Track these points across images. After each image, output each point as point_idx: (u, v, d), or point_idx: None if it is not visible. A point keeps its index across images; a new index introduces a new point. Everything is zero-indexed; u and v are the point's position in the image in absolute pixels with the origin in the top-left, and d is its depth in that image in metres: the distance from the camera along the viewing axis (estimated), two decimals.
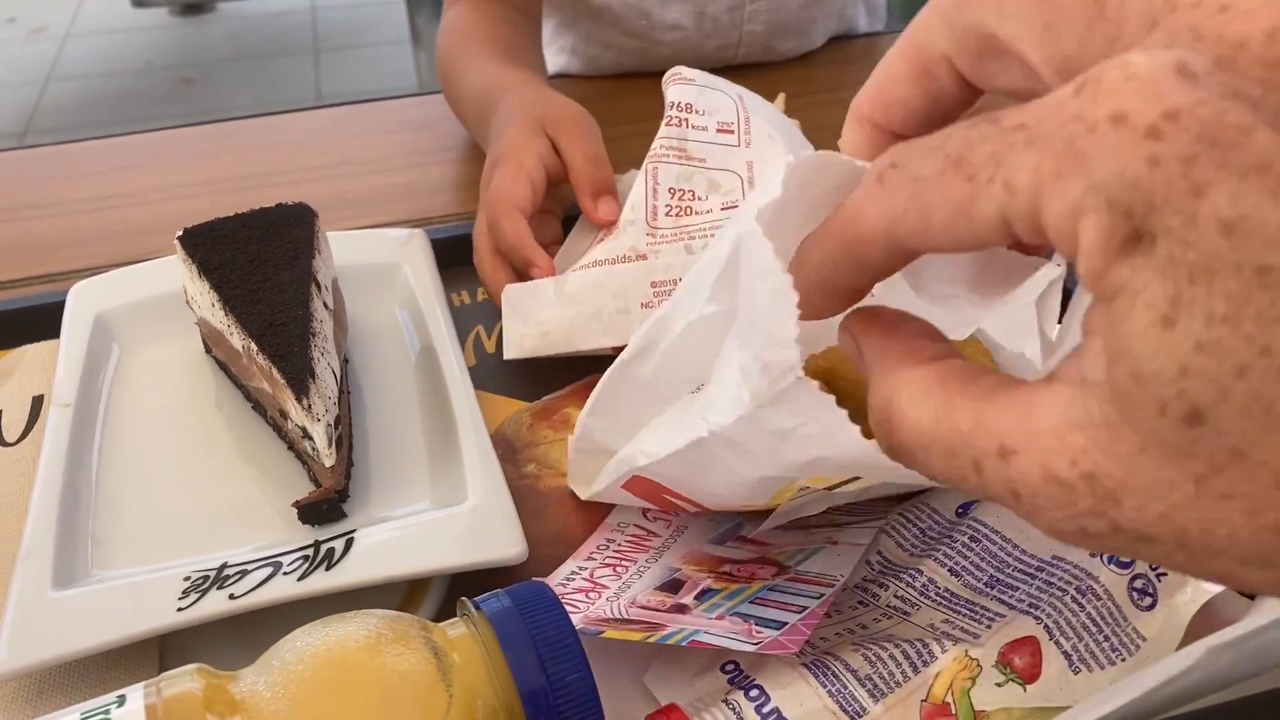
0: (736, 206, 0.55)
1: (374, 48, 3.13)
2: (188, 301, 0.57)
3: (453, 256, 0.65)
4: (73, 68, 3.11)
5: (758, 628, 0.38)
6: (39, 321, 0.61)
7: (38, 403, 0.57)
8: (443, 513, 0.47)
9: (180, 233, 0.55)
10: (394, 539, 0.45)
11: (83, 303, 0.59)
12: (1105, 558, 0.39)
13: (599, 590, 0.43)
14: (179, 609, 0.42)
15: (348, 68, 3.07)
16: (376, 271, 0.62)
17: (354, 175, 0.78)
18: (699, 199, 0.55)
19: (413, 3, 2.38)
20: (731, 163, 0.56)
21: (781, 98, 0.67)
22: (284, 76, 3.05)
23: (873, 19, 1.01)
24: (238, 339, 0.51)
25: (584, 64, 0.95)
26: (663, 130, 0.56)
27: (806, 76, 0.89)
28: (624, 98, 0.86)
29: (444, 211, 0.74)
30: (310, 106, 0.86)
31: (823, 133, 0.66)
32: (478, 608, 0.38)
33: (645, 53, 0.90)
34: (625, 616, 0.41)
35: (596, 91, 0.87)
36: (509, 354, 0.56)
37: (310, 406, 0.46)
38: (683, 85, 0.58)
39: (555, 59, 0.99)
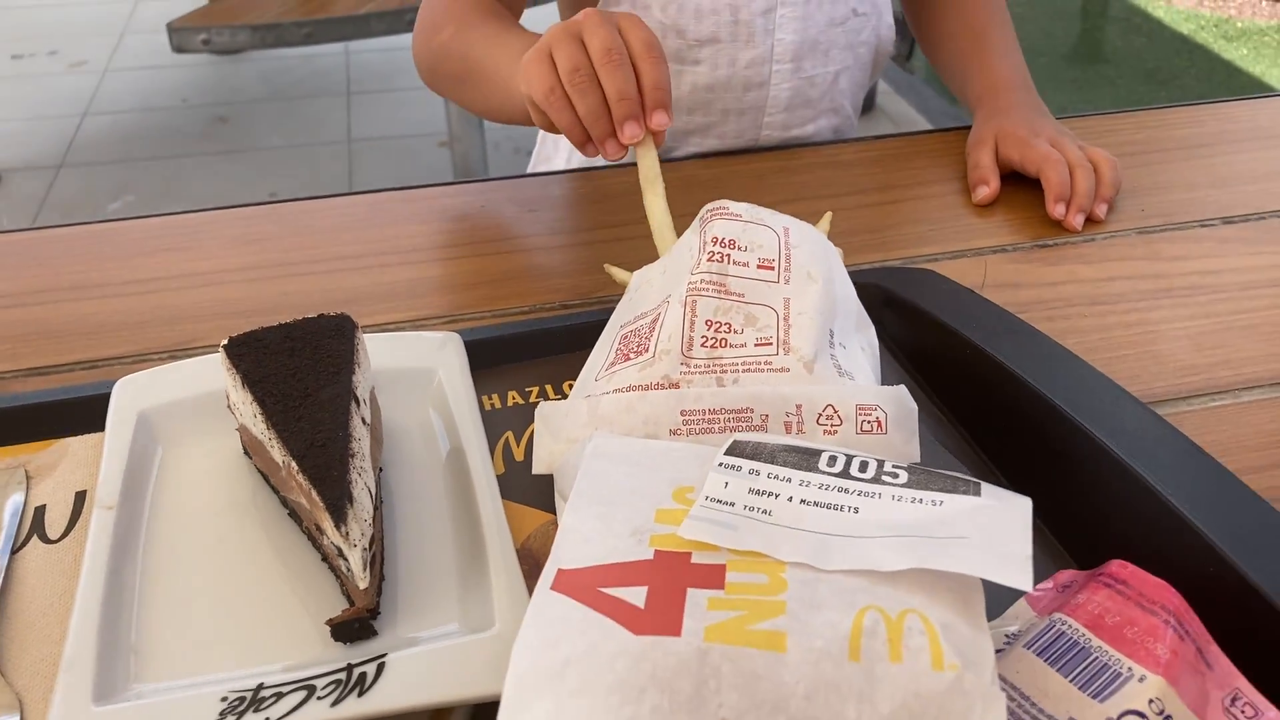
0: (770, 342, 0.56)
1: (406, 91, 3.18)
2: (229, 407, 0.59)
3: (484, 359, 0.67)
4: (110, 102, 3.17)
5: None
6: (82, 412, 0.63)
7: (80, 498, 0.59)
8: (470, 639, 0.48)
9: (225, 342, 0.57)
10: (423, 665, 0.47)
11: (126, 399, 0.61)
12: None
13: None
14: None
15: (379, 110, 3.12)
16: (411, 376, 0.64)
17: (389, 266, 0.81)
18: (735, 332, 0.57)
19: None
20: (769, 299, 0.57)
21: (828, 217, 0.69)
22: (316, 117, 3.10)
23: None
24: (278, 453, 0.53)
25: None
26: (703, 265, 0.58)
27: (831, 178, 0.91)
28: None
29: (477, 307, 0.76)
30: (346, 193, 0.88)
31: (854, 237, 0.69)
32: None
33: (677, 77, 0.92)
34: None
35: (622, 187, 0.89)
36: (538, 469, 0.58)
37: (348, 533, 0.48)
38: (728, 221, 0.60)
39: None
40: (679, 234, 0.66)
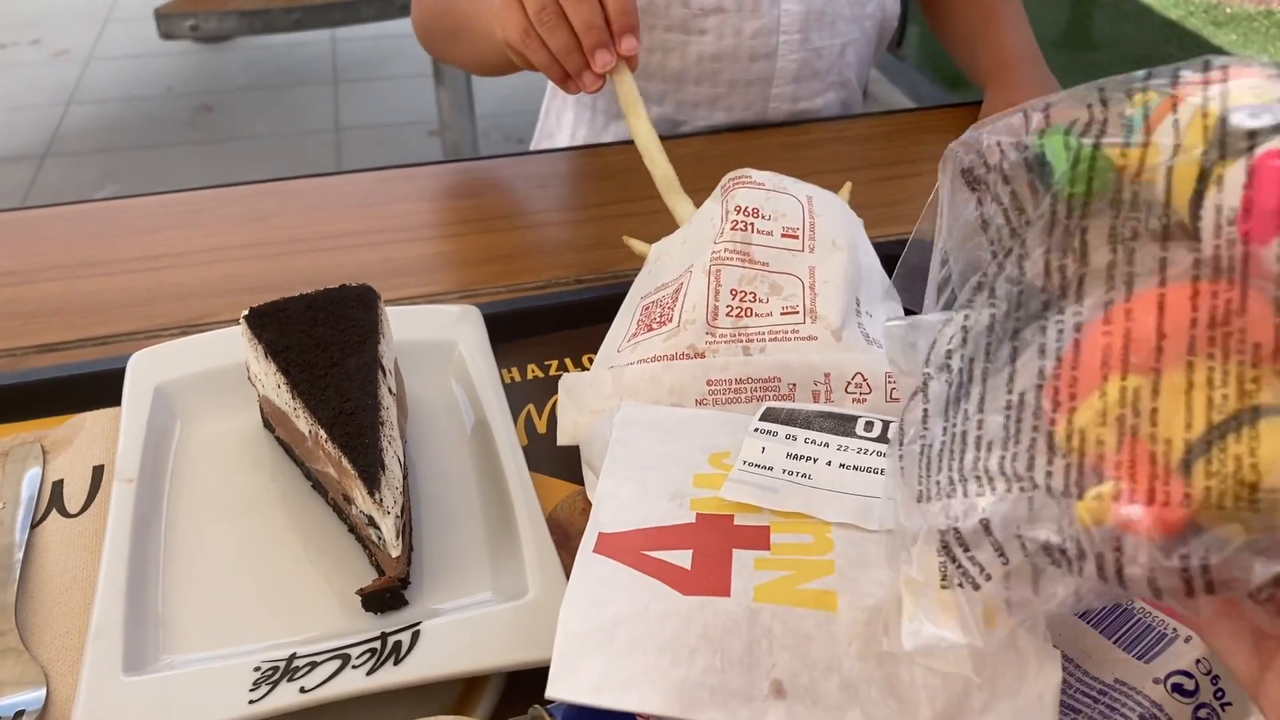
0: (797, 310, 0.56)
1: (393, 80, 3.15)
2: (250, 378, 0.58)
3: (503, 332, 0.66)
4: (94, 91, 3.13)
5: None
6: (98, 388, 0.62)
7: (98, 472, 0.58)
8: (505, 606, 0.48)
9: (246, 311, 0.57)
10: (459, 633, 0.46)
11: (142, 373, 0.61)
12: (1169, 685, 0.40)
13: None
14: (250, 700, 0.43)
15: (367, 99, 3.09)
16: (432, 349, 0.63)
17: (398, 242, 0.80)
18: (760, 301, 0.56)
19: None
20: (794, 267, 0.57)
21: (847, 187, 0.68)
22: (302, 106, 3.08)
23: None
24: (304, 423, 0.52)
25: (606, 122, 0.97)
26: (726, 234, 0.58)
27: (842, 152, 0.91)
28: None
29: (490, 283, 0.75)
30: (349, 170, 0.87)
31: (868, 211, 0.68)
32: (552, 715, 0.39)
33: (682, 48, 0.92)
34: None
35: (633, 163, 0.89)
36: (563, 440, 0.57)
37: (381, 500, 0.47)
38: (751, 190, 0.59)
39: (580, 128, 1.01)
40: (697, 205, 0.66)
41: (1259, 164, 0.26)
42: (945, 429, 0.34)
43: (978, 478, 0.32)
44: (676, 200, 0.70)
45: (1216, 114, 0.28)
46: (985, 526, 0.32)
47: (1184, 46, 3.30)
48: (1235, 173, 0.27)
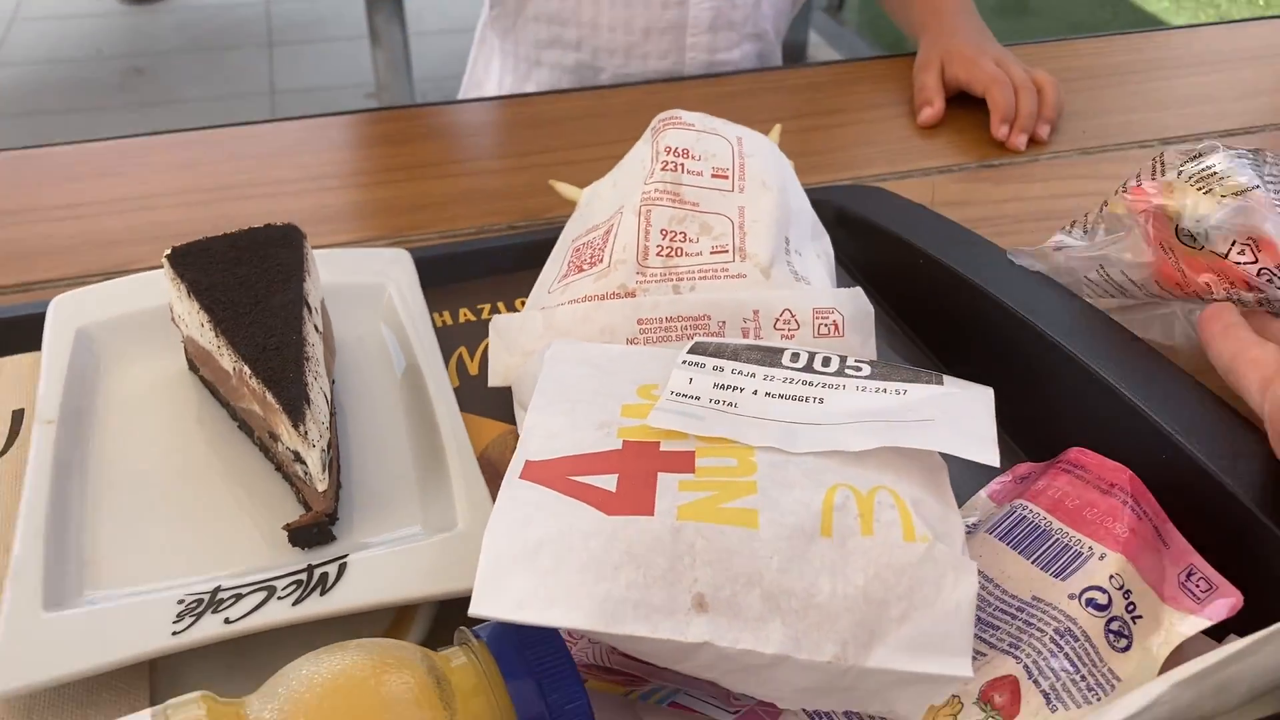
0: (726, 249, 0.56)
1: (329, 42, 3.10)
2: (173, 319, 0.57)
3: (434, 276, 0.66)
4: (19, 53, 3.05)
5: (735, 697, 0.41)
6: (17, 333, 0.61)
7: (18, 416, 0.57)
8: (434, 538, 0.48)
9: (169, 251, 0.56)
10: (387, 564, 0.46)
11: (63, 316, 0.59)
12: (1084, 600, 0.41)
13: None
14: (174, 632, 0.43)
15: (302, 62, 3.04)
16: (362, 291, 0.62)
17: (330, 189, 0.79)
18: (690, 240, 0.56)
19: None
20: (724, 207, 0.57)
21: (777, 129, 0.69)
22: (237, 69, 3.02)
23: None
24: (228, 361, 0.52)
25: (529, 69, 0.97)
26: (657, 174, 0.58)
27: (774, 103, 0.91)
28: (593, 118, 0.87)
29: (423, 229, 0.75)
30: (278, 118, 0.86)
31: (799, 159, 0.68)
32: (478, 636, 0.40)
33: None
34: (608, 665, 0.42)
35: (564, 112, 0.88)
36: (494, 382, 0.57)
37: (306, 433, 0.47)
38: (681, 130, 0.59)
39: (505, 77, 1.00)
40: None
41: None
42: None
43: None
44: None
45: None
46: None
47: (1119, 13, 3.34)
48: None
